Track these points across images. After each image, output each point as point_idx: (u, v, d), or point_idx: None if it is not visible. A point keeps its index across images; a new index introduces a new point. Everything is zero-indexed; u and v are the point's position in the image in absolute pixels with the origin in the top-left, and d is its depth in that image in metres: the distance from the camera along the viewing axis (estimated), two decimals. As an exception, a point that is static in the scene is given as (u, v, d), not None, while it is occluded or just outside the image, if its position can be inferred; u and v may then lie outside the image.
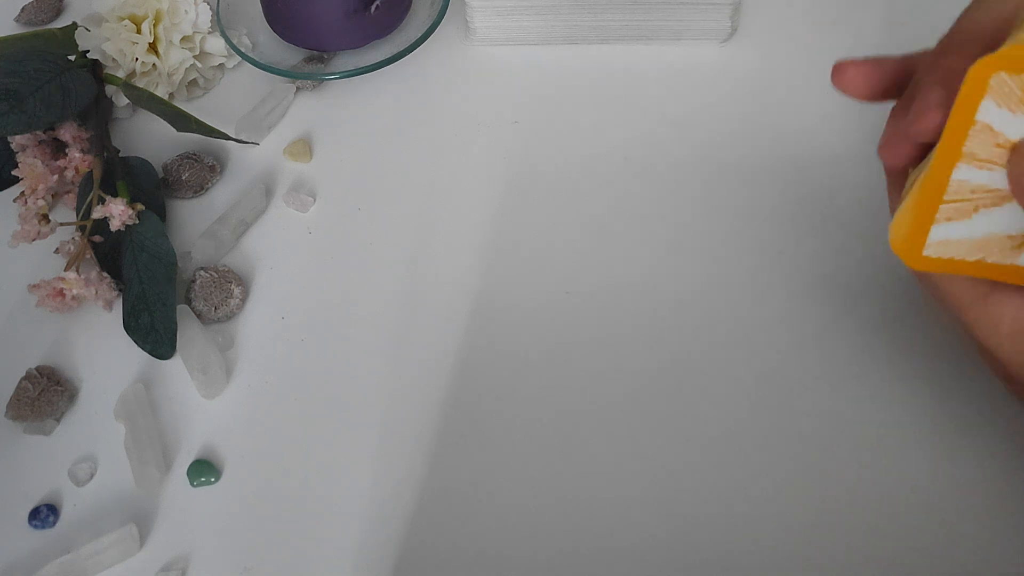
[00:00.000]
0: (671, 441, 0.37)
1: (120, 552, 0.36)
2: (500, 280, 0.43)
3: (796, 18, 0.52)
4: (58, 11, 0.59)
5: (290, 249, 0.45)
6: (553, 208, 0.45)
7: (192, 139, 0.49)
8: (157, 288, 0.42)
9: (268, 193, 0.47)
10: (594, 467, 0.37)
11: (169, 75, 0.51)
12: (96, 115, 0.47)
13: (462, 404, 0.39)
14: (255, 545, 0.36)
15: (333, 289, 0.43)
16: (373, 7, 0.50)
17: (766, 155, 0.46)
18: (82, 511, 0.38)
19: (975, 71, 0.27)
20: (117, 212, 0.42)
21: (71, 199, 0.47)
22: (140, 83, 0.51)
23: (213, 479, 0.38)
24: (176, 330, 0.41)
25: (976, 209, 0.29)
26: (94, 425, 0.40)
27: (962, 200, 0.29)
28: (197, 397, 0.40)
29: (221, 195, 0.48)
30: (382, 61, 0.50)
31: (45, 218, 0.43)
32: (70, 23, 0.52)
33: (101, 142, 0.46)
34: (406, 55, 0.50)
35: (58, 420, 0.40)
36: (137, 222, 0.43)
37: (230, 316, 0.43)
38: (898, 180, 0.34)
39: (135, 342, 0.41)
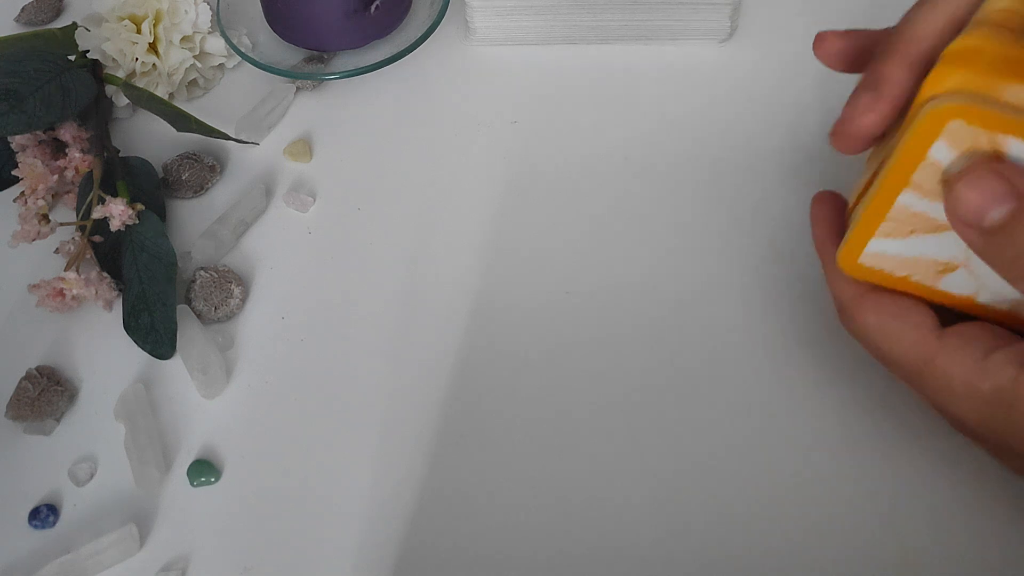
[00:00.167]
0: (671, 441, 0.37)
1: (120, 552, 0.36)
2: (500, 280, 0.43)
3: (796, 18, 0.52)
4: (58, 11, 0.59)
5: (290, 249, 0.45)
6: (553, 208, 0.45)
7: (192, 139, 0.49)
8: (157, 288, 0.42)
9: (268, 193, 0.47)
10: (594, 467, 0.37)
11: (169, 75, 0.51)
12: (96, 115, 0.47)
13: (462, 404, 0.39)
14: (255, 545, 0.36)
15: (333, 289, 0.43)
16: (373, 7, 0.50)
17: (766, 155, 0.46)
18: (82, 511, 0.38)
19: (937, 112, 0.29)
20: (117, 212, 0.42)
21: (71, 199, 0.47)
22: (140, 83, 0.51)
23: (213, 479, 0.38)
24: (176, 330, 0.41)
25: (912, 231, 0.31)
26: (94, 425, 0.40)
27: (901, 221, 0.31)
28: (197, 397, 0.40)
29: (221, 195, 0.48)
30: (382, 61, 0.50)
31: (45, 218, 0.43)
32: (70, 23, 0.52)
33: (101, 142, 0.46)
34: (406, 55, 0.50)
35: (58, 420, 0.40)
36: (137, 222, 0.43)
37: (230, 316, 0.43)
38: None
39: (135, 342, 0.41)
